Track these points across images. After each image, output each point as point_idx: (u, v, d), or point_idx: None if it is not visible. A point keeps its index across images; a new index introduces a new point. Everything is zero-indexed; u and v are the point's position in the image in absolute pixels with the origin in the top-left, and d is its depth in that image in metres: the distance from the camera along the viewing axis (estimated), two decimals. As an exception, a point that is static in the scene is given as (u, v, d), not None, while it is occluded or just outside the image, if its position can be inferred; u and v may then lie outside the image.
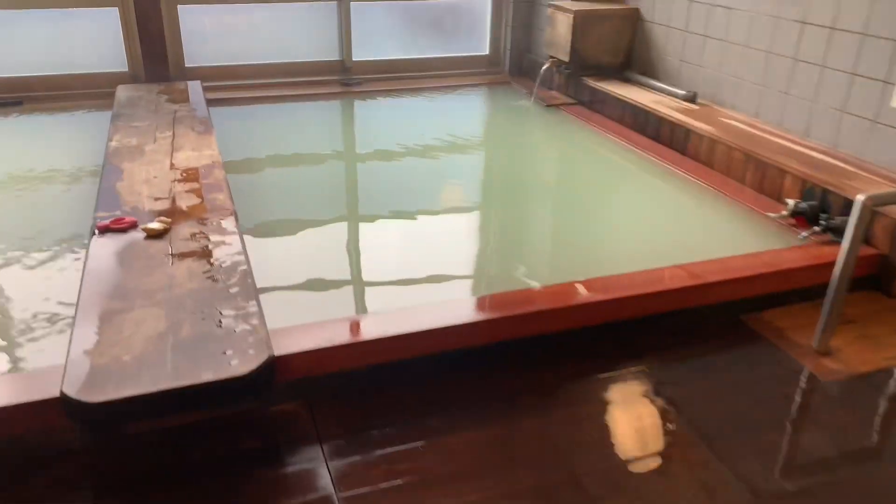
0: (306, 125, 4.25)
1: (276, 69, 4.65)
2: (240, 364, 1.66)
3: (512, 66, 5.04)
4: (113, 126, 3.42)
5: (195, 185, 2.71)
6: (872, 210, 2.05)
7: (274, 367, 1.72)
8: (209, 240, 2.28)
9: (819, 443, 1.86)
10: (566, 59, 4.18)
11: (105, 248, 2.20)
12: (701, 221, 3.00)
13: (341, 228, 3.15)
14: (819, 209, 2.66)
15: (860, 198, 2.00)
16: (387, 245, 2.97)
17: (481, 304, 2.19)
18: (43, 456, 1.72)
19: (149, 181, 2.74)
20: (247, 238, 2.47)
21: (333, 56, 4.78)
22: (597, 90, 4.13)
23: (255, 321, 1.82)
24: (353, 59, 4.78)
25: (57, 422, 1.65)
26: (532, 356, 2.11)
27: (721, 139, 3.20)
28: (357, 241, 3.05)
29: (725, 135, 3.21)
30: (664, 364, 2.12)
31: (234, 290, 1.99)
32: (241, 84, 4.52)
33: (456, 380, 2.02)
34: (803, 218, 2.68)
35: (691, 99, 3.68)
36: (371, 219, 3.25)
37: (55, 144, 3.78)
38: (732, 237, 2.83)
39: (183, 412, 1.76)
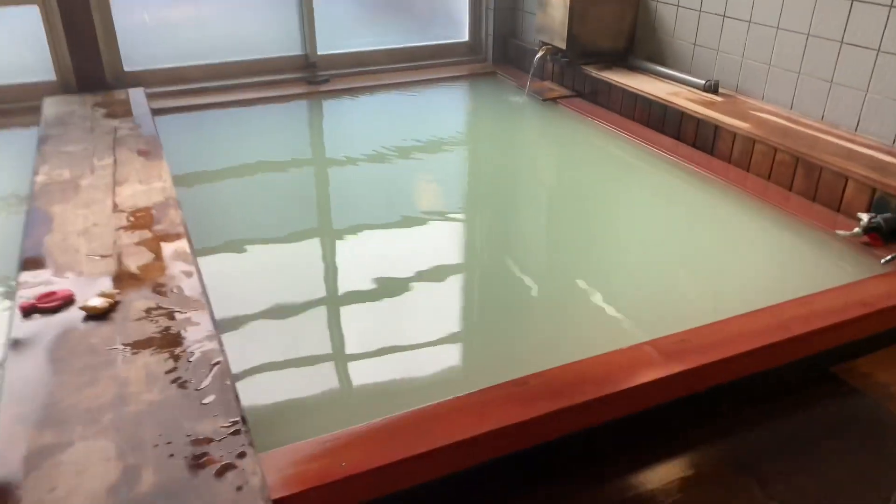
0: (269, 131, 3.70)
1: (231, 69, 4.07)
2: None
3: (496, 54, 4.54)
4: (39, 154, 2.83)
5: (146, 234, 2.17)
6: None
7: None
8: (171, 317, 1.76)
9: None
10: (562, 45, 3.71)
11: (29, 342, 1.67)
12: (746, 238, 2.58)
13: (313, 246, 2.74)
14: (896, 223, 2.28)
15: None
16: (364, 263, 2.52)
17: (519, 390, 1.69)
18: None
19: (87, 231, 2.19)
20: (206, 261, 2.10)
21: (296, 51, 4.21)
22: (600, 80, 3.67)
23: (244, 456, 1.33)
24: (319, 53, 4.22)
25: None
26: (582, 449, 1.66)
27: (760, 137, 2.78)
28: (332, 259, 2.63)
29: (763, 132, 2.79)
30: (750, 441, 1.71)
31: (208, 399, 1.49)
32: (190, 89, 3.93)
33: (500, 495, 1.57)
34: (878, 235, 2.29)
35: (713, 88, 3.25)
36: (346, 234, 2.81)
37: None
38: (792, 260, 2.42)
39: None
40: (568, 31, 3.64)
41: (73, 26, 3.62)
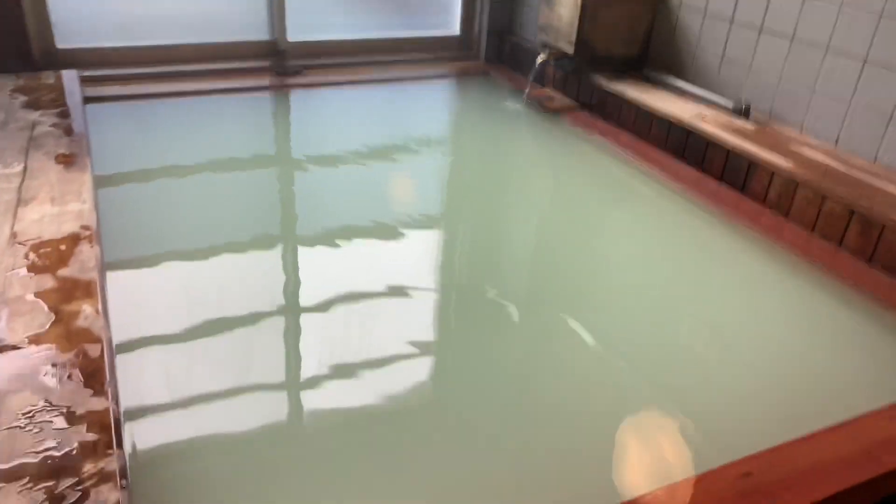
0: (227, 127, 3.17)
1: (185, 53, 3.52)
2: None
3: (489, 52, 4.05)
4: (-70, 154, 2.29)
5: (46, 282, 1.67)
6: None
7: None
8: (69, 423, 1.27)
9: None
10: (569, 49, 3.24)
11: None
12: (779, 303, 2.15)
13: (268, 256, 2.35)
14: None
15: None
16: (323, 277, 2.20)
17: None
18: None
19: (-34, 276, 1.68)
20: (138, 274, 2.02)
21: (262, 35, 3.67)
22: (610, 93, 3.22)
23: None
24: (289, 40, 3.68)
25: None
26: None
27: (805, 180, 2.37)
28: (289, 273, 2.25)
29: (810, 174, 2.38)
30: None
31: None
32: (136, 74, 3.37)
33: None
34: (959, 318, 1.89)
35: (744, 112, 2.83)
36: (306, 244, 2.43)
37: None
38: (845, 342, 2.00)
39: None
40: (577, 33, 3.17)
41: (-6, -8, 3.03)
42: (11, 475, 1.17)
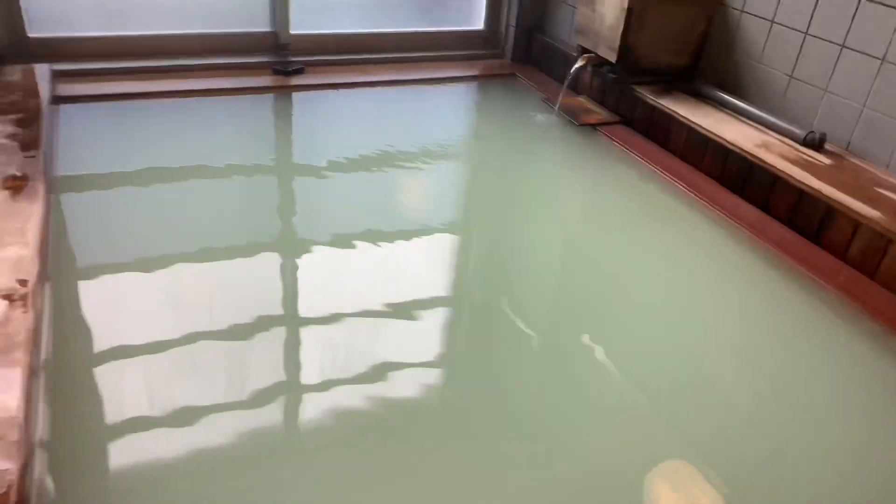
0: (221, 135, 2.78)
1: (175, 44, 3.12)
2: None
3: (517, 51, 3.62)
4: None
5: (-46, 373, 1.31)
6: None
7: None
8: None
9: None
10: (611, 57, 2.82)
11: None
12: (862, 385, 1.76)
13: (261, 267, 2.04)
14: None
15: None
16: (325, 290, 2.00)
17: None
18: None
19: None
20: (124, 283, 1.90)
21: (262, 26, 3.26)
22: (656, 109, 2.80)
23: None
24: (292, 33, 3.28)
25: None
26: None
27: (898, 237, 1.97)
28: (289, 286, 2.00)
29: (903, 228, 1.98)
30: None
31: None
32: (117, 69, 2.98)
33: None
34: None
35: (816, 144, 2.41)
36: (305, 255, 2.15)
37: None
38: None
39: None
40: (622, 38, 2.75)
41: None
42: None
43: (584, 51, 2.99)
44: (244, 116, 2.98)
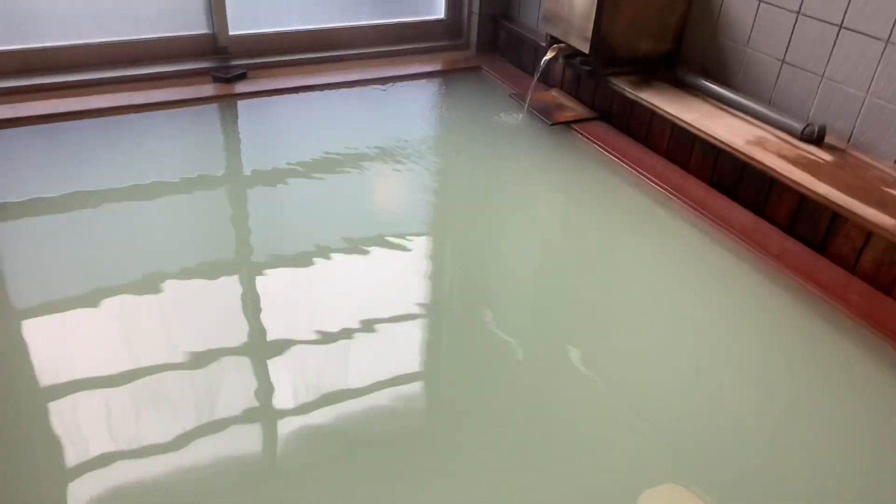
0: (159, 153, 2.48)
1: (96, 54, 2.80)
2: None
3: (482, 41, 3.33)
4: None
5: None
6: None
7: None
8: None
9: None
10: (584, 47, 2.55)
11: None
12: (873, 414, 1.55)
13: (219, 287, 1.71)
14: None
15: None
16: (289, 308, 1.85)
17: None
18: None
19: None
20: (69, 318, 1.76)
21: (198, 28, 2.95)
22: (636, 103, 2.54)
23: None
24: (231, 33, 2.97)
25: None
26: None
27: (917, 248, 1.73)
28: (249, 306, 1.69)
29: (921, 237, 1.74)
30: None
31: None
32: (32, 86, 2.66)
33: None
34: None
35: (815, 138, 2.16)
36: (265, 270, 1.82)
37: None
38: None
39: None
40: (594, 27, 2.47)
41: None
42: None
43: (554, 40, 2.71)
44: (185, 131, 2.67)
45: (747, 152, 2.14)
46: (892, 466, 1.45)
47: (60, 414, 1.50)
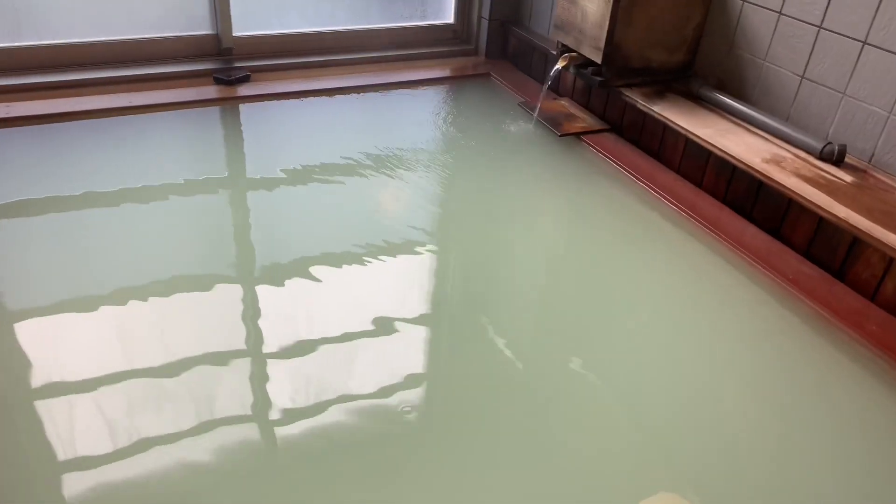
0: (159, 157, 2.42)
1: (99, 52, 2.74)
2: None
3: (491, 47, 3.26)
4: None
5: None
6: None
7: None
8: None
9: None
10: (596, 57, 2.47)
11: None
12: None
13: (225, 301, 1.65)
14: None
15: None
16: (286, 318, 1.79)
17: None
18: None
19: None
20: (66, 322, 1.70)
21: (202, 29, 2.89)
22: (648, 116, 2.46)
23: None
24: (235, 35, 2.91)
25: None
26: None
27: (942, 279, 1.65)
28: (247, 315, 1.64)
29: (946, 267, 1.65)
30: None
31: None
32: (26, 84, 2.61)
33: None
34: None
35: (835, 158, 2.08)
36: (263, 281, 1.80)
37: None
38: None
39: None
40: (608, 37, 2.40)
41: None
42: None
43: (565, 49, 2.63)
44: (185, 134, 2.61)
45: (763, 171, 2.06)
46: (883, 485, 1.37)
47: (53, 418, 1.46)
